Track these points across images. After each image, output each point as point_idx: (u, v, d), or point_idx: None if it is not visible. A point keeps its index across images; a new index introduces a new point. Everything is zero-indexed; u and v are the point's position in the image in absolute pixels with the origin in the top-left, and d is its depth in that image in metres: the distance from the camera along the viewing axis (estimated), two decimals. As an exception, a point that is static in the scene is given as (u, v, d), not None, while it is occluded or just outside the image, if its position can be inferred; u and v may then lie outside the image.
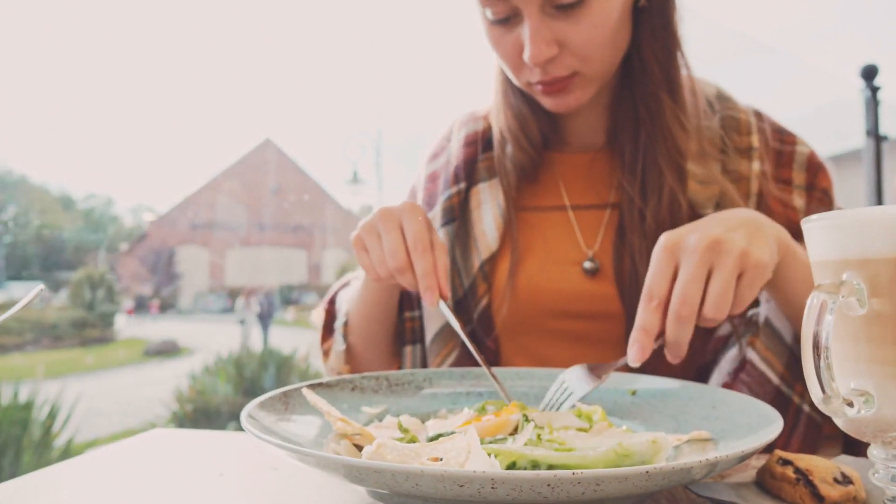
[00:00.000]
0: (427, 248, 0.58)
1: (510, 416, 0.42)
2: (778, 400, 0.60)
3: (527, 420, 0.40)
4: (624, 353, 0.70)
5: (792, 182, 0.70)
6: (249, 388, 4.28)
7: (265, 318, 8.28)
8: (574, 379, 0.52)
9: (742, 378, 0.62)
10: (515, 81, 0.70)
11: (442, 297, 0.58)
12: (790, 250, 0.56)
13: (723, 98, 0.74)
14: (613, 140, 0.74)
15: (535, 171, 0.76)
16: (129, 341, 9.05)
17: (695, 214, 0.67)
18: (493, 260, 0.73)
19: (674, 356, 0.50)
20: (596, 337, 0.70)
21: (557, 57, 0.64)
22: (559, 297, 0.70)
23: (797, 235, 0.67)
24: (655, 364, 0.67)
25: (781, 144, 0.71)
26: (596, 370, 0.53)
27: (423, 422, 0.51)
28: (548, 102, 0.69)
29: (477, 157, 0.79)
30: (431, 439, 0.39)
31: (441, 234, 0.76)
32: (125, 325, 9.48)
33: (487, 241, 0.73)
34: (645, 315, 0.50)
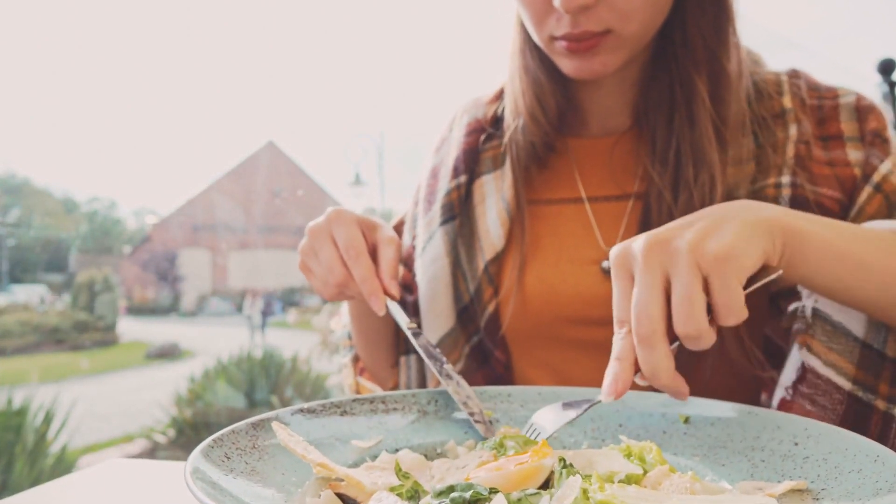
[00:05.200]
0: (360, 251, 0.55)
1: (542, 461, 0.32)
2: (854, 409, 0.48)
3: (565, 467, 0.31)
4: None
5: (843, 135, 0.60)
6: (249, 392, 4.19)
7: (264, 319, 8.23)
8: (545, 419, 0.44)
9: (802, 391, 0.50)
10: (536, 38, 0.61)
11: (389, 296, 0.54)
12: (797, 231, 0.43)
13: (752, 59, 0.65)
14: (642, 122, 0.64)
15: (548, 156, 0.67)
16: (132, 344, 8.99)
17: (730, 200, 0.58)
18: (499, 260, 0.64)
19: (659, 386, 0.40)
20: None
21: (593, 8, 0.55)
22: (575, 300, 0.61)
23: (856, 194, 0.58)
24: (699, 379, 0.57)
25: (820, 100, 0.62)
26: (570, 408, 0.43)
27: (427, 458, 0.41)
28: (569, 65, 0.59)
29: (480, 146, 0.70)
30: (440, 494, 0.29)
31: (440, 234, 0.68)
32: (127, 327, 9.43)
33: (492, 240, 0.65)
34: (616, 343, 0.41)
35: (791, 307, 0.54)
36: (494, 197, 0.67)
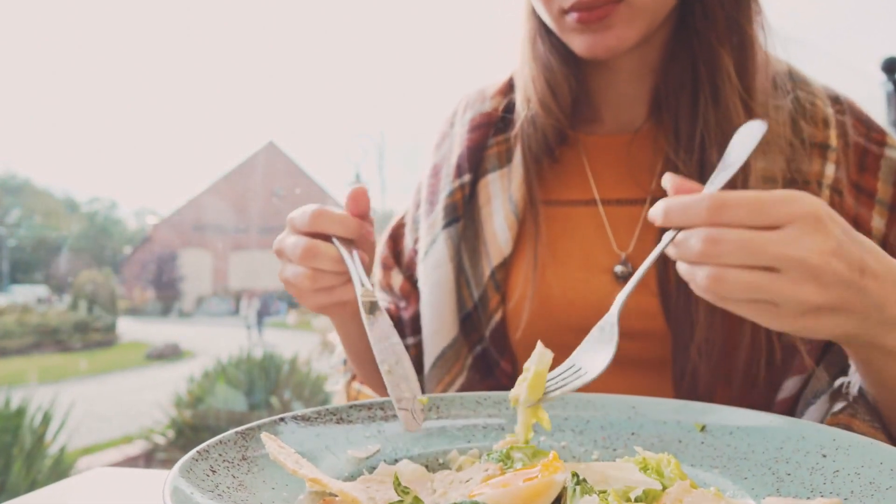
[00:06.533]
0: (310, 207, 0.52)
1: (553, 476, 0.29)
2: None
3: (579, 483, 0.28)
4: (669, 374, 0.56)
5: (875, 195, 0.56)
6: (248, 394, 4.17)
7: (260, 320, 8.23)
8: (587, 354, 0.40)
9: None
10: (546, 16, 0.58)
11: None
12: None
13: (796, 77, 0.61)
14: (663, 108, 0.60)
15: (559, 150, 0.64)
16: (132, 345, 8.96)
17: None
18: (506, 266, 0.61)
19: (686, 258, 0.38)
20: (636, 358, 0.57)
21: None
22: (587, 310, 0.58)
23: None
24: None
25: (867, 141, 0.58)
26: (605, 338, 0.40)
27: (428, 469, 0.39)
28: (582, 42, 0.56)
29: (485, 142, 0.66)
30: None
31: (442, 238, 0.64)
32: (127, 328, 9.41)
33: (499, 244, 0.61)
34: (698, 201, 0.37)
35: (837, 383, 0.52)
36: (501, 198, 0.63)
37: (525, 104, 0.64)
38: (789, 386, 0.55)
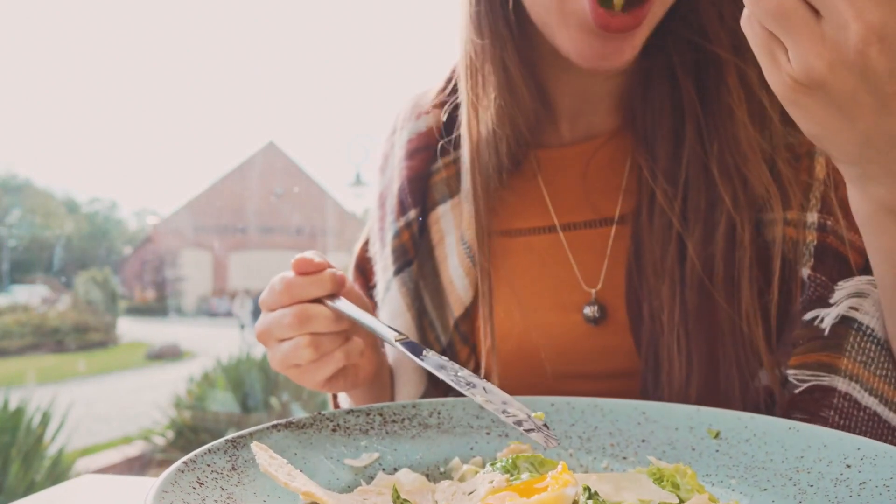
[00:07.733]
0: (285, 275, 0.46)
1: (563, 490, 0.27)
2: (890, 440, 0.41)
3: (591, 497, 0.26)
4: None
5: None
6: (247, 394, 4.16)
7: (254, 320, 8.24)
8: None
9: (834, 420, 0.42)
10: (541, 7, 0.46)
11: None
12: None
13: None
14: (637, 123, 0.52)
15: (513, 168, 0.55)
16: (132, 345, 8.96)
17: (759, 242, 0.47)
18: (470, 317, 0.54)
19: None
20: (619, 395, 0.52)
21: None
22: (559, 355, 0.52)
23: None
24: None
25: None
26: None
27: (429, 478, 0.37)
28: (588, 49, 0.44)
29: (428, 168, 0.57)
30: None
31: (396, 286, 0.56)
32: (127, 328, 9.41)
33: (458, 293, 0.54)
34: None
35: (808, 315, 0.45)
36: (453, 236, 0.54)
37: (471, 111, 0.53)
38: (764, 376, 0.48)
